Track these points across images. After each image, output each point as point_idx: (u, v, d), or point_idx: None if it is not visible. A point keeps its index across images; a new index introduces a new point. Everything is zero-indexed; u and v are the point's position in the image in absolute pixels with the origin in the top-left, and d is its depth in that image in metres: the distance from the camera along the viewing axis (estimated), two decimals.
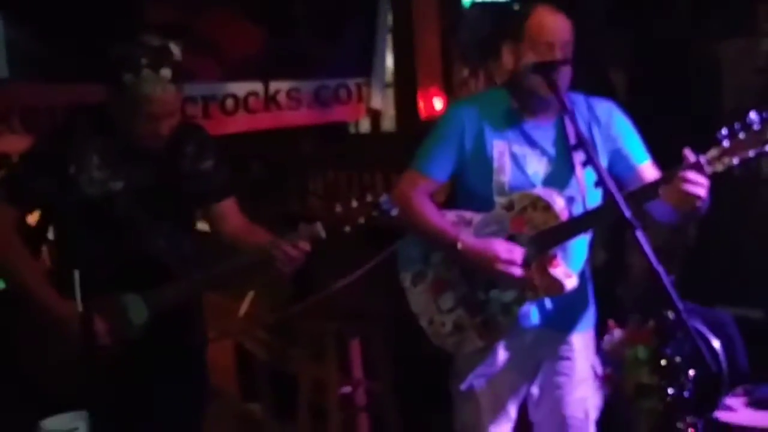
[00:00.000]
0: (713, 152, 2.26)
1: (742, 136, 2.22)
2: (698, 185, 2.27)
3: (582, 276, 2.64)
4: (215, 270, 2.56)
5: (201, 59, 3.85)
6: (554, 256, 2.50)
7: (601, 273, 3.32)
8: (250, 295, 4.56)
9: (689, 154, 2.29)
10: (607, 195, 2.32)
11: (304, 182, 5.97)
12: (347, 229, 2.48)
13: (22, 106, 3.82)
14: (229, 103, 4.24)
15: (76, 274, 2.07)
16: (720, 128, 2.26)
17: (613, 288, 3.87)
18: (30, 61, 3.77)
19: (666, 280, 2.14)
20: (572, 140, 2.52)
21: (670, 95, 3.99)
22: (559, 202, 2.50)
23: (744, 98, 3.81)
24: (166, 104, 2.40)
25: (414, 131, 4.76)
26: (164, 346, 2.56)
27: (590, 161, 2.35)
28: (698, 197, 2.28)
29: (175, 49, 2.41)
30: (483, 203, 2.61)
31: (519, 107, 2.60)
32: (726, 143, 2.24)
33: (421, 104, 4.92)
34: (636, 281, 3.87)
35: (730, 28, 3.99)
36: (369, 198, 2.48)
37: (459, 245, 2.53)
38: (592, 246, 2.74)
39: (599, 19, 4.14)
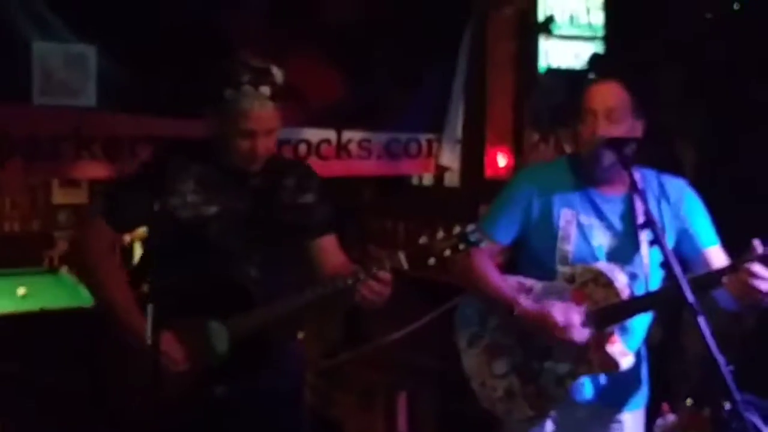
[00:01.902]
0: None
1: None
2: (762, 279, 2.24)
3: (638, 354, 2.62)
4: (296, 299, 2.49)
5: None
6: (611, 334, 2.49)
7: (656, 352, 3.29)
8: (300, 336, 4.60)
9: (757, 246, 2.27)
10: (671, 277, 2.31)
11: (363, 230, 6.01)
12: (432, 261, 2.35)
13: (106, 136, 3.92)
14: (302, 148, 4.32)
15: (150, 307, 2.12)
16: None
17: (666, 368, 3.82)
18: (117, 93, 3.88)
19: (725, 369, 2.12)
20: (640, 217, 2.50)
21: (741, 174, 3.96)
22: (621, 279, 2.49)
23: None
24: (263, 120, 2.45)
25: (477, 188, 4.80)
26: (247, 386, 2.54)
27: (657, 242, 2.34)
28: (760, 291, 2.25)
29: (277, 72, 2.47)
30: (544, 271, 2.61)
31: (588, 179, 2.62)
32: None
33: (486, 163, 4.96)
34: (691, 363, 3.81)
35: None
36: (456, 230, 2.35)
37: (516, 309, 2.53)
38: (651, 325, 2.73)
39: (675, 95, 4.15)
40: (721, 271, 2.36)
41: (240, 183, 2.57)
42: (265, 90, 2.42)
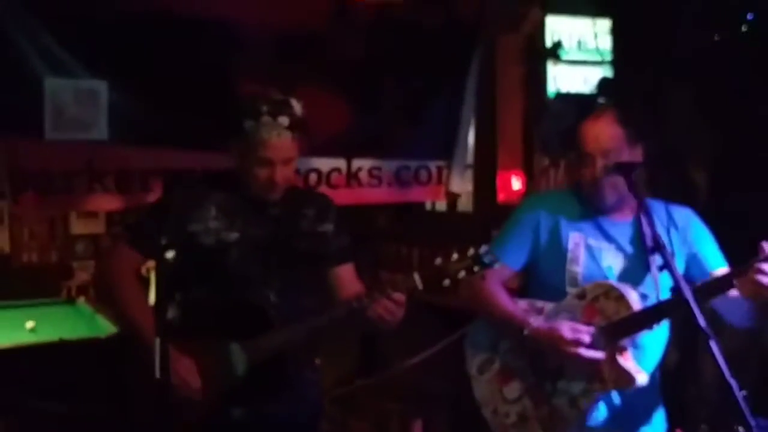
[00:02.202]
0: None
1: None
2: None
3: (653, 378, 2.60)
4: (314, 321, 2.54)
5: None
6: (624, 348, 2.48)
7: (672, 375, 3.26)
8: (317, 361, 4.60)
9: (766, 246, 2.30)
10: (681, 299, 2.30)
11: (377, 255, 6.02)
12: (446, 282, 2.40)
13: (118, 168, 3.97)
14: (312, 177, 4.35)
15: (157, 341, 2.14)
16: None
17: (683, 392, 3.78)
18: (129, 126, 3.93)
19: (738, 393, 2.11)
20: (649, 242, 2.50)
21: (754, 197, 3.94)
22: (632, 294, 2.50)
23: None
24: (281, 150, 2.53)
25: (490, 213, 4.80)
26: (265, 410, 2.57)
27: (667, 266, 2.35)
28: None
29: (296, 105, 2.56)
30: (555, 294, 2.62)
31: (595, 208, 2.64)
32: None
33: (499, 188, 4.97)
34: (708, 387, 3.77)
35: None
36: (470, 251, 2.40)
37: (526, 330, 2.54)
38: (667, 348, 2.71)
39: (684, 118, 4.15)
40: (732, 273, 2.38)
41: (260, 211, 2.64)
42: (284, 120, 2.51)
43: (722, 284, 2.39)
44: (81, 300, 5.40)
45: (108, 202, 4.05)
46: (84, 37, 3.80)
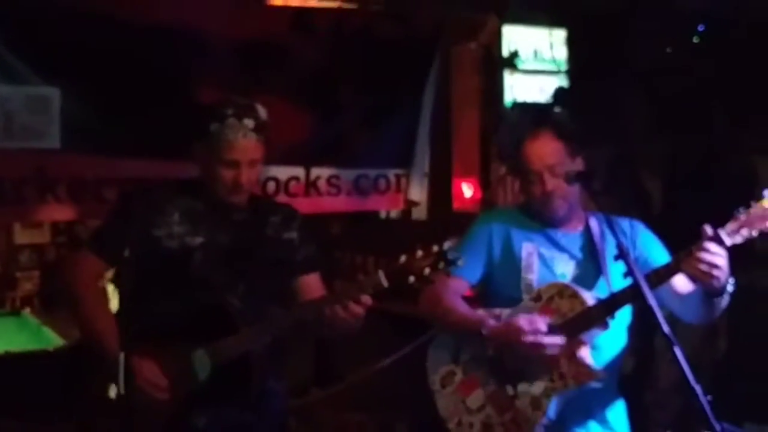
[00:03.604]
0: (731, 225, 2.35)
1: (757, 210, 2.31)
2: (717, 255, 2.33)
3: (612, 378, 2.65)
4: (276, 323, 2.55)
5: None
6: (582, 344, 2.52)
7: (629, 381, 3.30)
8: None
9: (708, 229, 2.37)
10: (643, 306, 2.33)
11: (331, 264, 6.00)
12: (412, 279, 2.37)
13: (70, 177, 3.88)
14: (270, 185, 4.31)
15: (122, 356, 2.10)
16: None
17: (641, 397, 3.84)
18: (82, 134, 3.85)
19: (703, 399, 2.14)
20: (600, 247, 2.63)
21: (705, 206, 4.02)
22: (585, 291, 2.55)
23: None
24: (246, 151, 2.53)
25: (445, 221, 4.82)
26: (228, 420, 2.54)
27: (631, 273, 2.38)
28: (716, 266, 2.34)
29: (261, 109, 2.58)
30: (511, 303, 2.65)
31: (544, 222, 2.71)
32: (743, 216, 2.33)
33: (454, 196, 4.99)
34: (665, 392, 3.84)
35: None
36: (435, 248, 2.38)
37: (484, 330, 2.57)
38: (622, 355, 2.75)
39: (639, 126, 4.22)
40: (679, 257, 2.43)
41: (225, 216, 2.63)
42: (249, 122, 2.52)
43: (671, 268, 2.45)
44: (26, 311, 5.29)
45: (60, 212, 3.96)
46: (35, 42, 3.72)
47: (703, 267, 2.35)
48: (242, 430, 2.58)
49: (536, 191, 2.64)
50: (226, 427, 2.54)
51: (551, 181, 2.61)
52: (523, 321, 2.51)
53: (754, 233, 2.33)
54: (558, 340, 2.50)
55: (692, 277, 2.42)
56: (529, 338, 2.49)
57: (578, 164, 2.64)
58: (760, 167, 4.10)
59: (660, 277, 2.43)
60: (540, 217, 2.71)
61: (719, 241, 2.34)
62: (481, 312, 2.67)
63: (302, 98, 4.31)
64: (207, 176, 2.59)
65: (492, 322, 2.58)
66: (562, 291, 2.55)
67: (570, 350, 2.51)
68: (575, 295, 2.53)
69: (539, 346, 2.50)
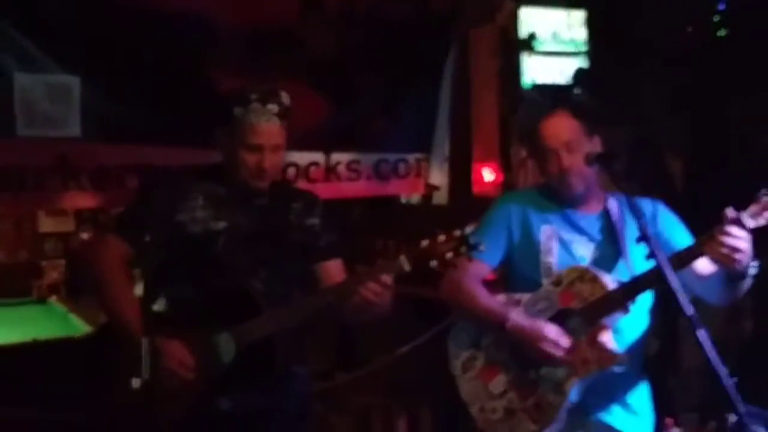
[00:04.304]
0: (753, 208, 2.33)
1: None
2: (739, 238, 2.32)
3: (636, 361, 2.65)
4: (300, 305, 2.55)
5: None
6: (604, 328, 2.52)
7: (653, 363, 3.28)
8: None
9: (729, 212, 2.35)
10: (666, 289, 2.33)
11: (352, 249, 6.00)
12: (434, 263, 2.39)
13: (92, 165, 3.89)
14: (291, 171, 4.30)
15: (146, 341, 2.12)
16: None
17: (665, 379, 3.82)
18: (102, 122, 3.86)
19: (727, 381, 2.13)
20: (620, 229, 2.62)
21: (728, 185, 3.98)
22: (606, 275, 2.54)
23: None
24: (270, 135, 2.55)
25: (465, 206, 4.81)
26: (252, 403, 2.55)
27: (653, 255, 2.37)
28: (739, 249, 2.32)
29: (284, 95, 2.59)
30: (532, 285, 2.66)
31: (563, 202, 2.70)
32: (766, 198, 2.31)
33: (474, 180, 4.97)
34: (689, 374, 3.82)
35: None
36: (457, 233, 2.39)
37: (507, 324, 2.57)
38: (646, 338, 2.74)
39: (659, 107, 4.18)
40: (701, 241, 2.42)
41: (248, 201, 2.64)
42: (273, 107, 2.55)
43: (693, 252, 2.44)
44: (53, 299, 5.34)
45: (83, 200, 3.97)
46: (53, 31, 3.72)
47: (725, 250, 2.34)
48: (265, 413, 2.60)
49: (552, 169, 2.64)
50: (250, 409, 2.55)
51: (567, 157, 2.60)
52: (549, 331, 2.52)
53: None
54: (582, 354, 2.49)
55: (714, 260, 2.41)
56: (549, 348, 2.51)
57: (596, 144, 2.64)
58: None
59: (682, 260, 2.42)
60: (558, 197, 2.70)
61: (741, 224, 2.33)
62: (501, 298, 2.68)
63: (318, 83, 4.29)
64: (230, 161, 2.60)
65: (516, 316, 2.58)
66: (583, 275, 2.55)
67: (592, 335, 2.51)
68: (596, 279, 2.52)
69: (556, 358, 2.51)
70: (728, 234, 2.33)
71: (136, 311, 2.50)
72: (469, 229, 2.39)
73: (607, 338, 2.50)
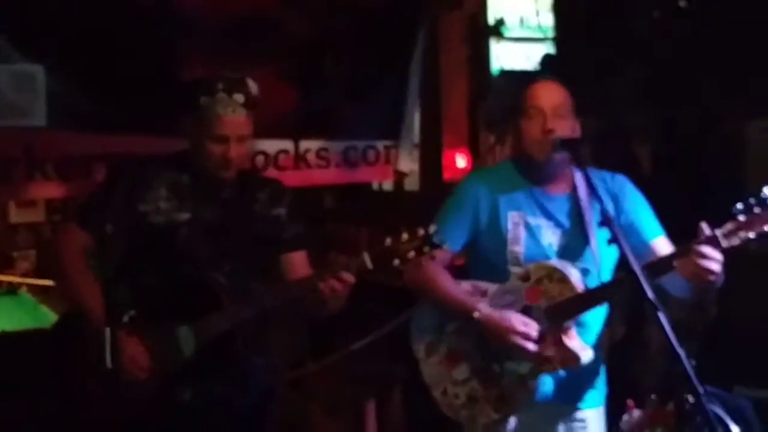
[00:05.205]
0: (729, 226, 2.28)
1: (757, 210, 2.23)
2: (712, 260, 2.28)
3: (596, 350, 2.64)
4: (261, 300, 2.54)
5: None
6: (569, 328, 2.52)
7: (619, 347, 3.31)
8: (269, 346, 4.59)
9: (705, 228, 2.31)
10: (628, 272, 2.33)
11: (325, 236, 6.00)
12: (396, 262, 2.41)
13: (58, 154, 3.86)
14: (260, 159, 4.28)
15: (107, 331, 2.11)
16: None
17: (631, 363, 3.86)
18: (68, 111, 3.82)
19: (686, 363, 2.15)
20: (588, 214, 2.58)
21: (694, 172, 4.02)
22: (574, 274, 2.52)
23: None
24: (236, 126, 2.52)
25: (437, 192, 4.82)
26: (213, 394, 2.55)
27: (616, 240, 2.37)
28: (711, 272, 2.29)
29: (252, 84, 2.56)
30: (497, 273, 2.63)
31: (534, 178, 2.65)
32: (742, 217, 2.25)
33: (445, 166, 4.99)
34: (655, 357, 3.85)
35: (755, 108, 4.04)
36: (420, 231, 2.40)
37: (476, 314, 2.54)
38: (610, 320, 2.76)
39: (628, 95, 4.20)
40: (673, 256, 2.40)
41: (212, 192, 2.61)
42: (239, 97, 2.51)
43: (662, 265, 2.40)
44: (23, 290, 5.30)
45: (49, 190, 3.96)
46: (17, 19, 3.68)
47: (698, 271, 2.29)
48: (226, 404, 2.59)
49: (535, 129, 2.56)
50: (211, 401, 2.55)
51: (553, 121, 2.53)
52: (517, 322, 2.50)
53: (752, 236, 2.25)
54: (546, 351, 2.49)
55: (685, 278, 2.36)
56: (518, 341, 2.49)
57: (577, 128, 2.59)
58: (749, 131, 4.09)
59: (653, 271, 2.36)
60: (529, 173, 2.64)
61: (716, 243, 2.28)
62: (466, 286, 2.65)
63: (288, 70, 4.27)
64: (195, 151, 2.57)
65: (484, 308, 2.55)
66: (552, 274, 2.52)
67: (557, 336, 2.50)
68: (564, 280, 2.50)
69: (524, 351, 2.50)
70: (702, 255, 2.28)
71: (98, 300, 2.51)
72: (433, 228, 2.41)
73: (572, 342, 2.50)
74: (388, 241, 2.40)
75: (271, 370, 2.75)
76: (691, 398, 2.25)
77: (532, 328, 2.49)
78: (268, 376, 2.74)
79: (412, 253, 2.39)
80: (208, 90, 2.51)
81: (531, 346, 2.48)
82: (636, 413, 2.49)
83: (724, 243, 2.27)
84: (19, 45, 3.70)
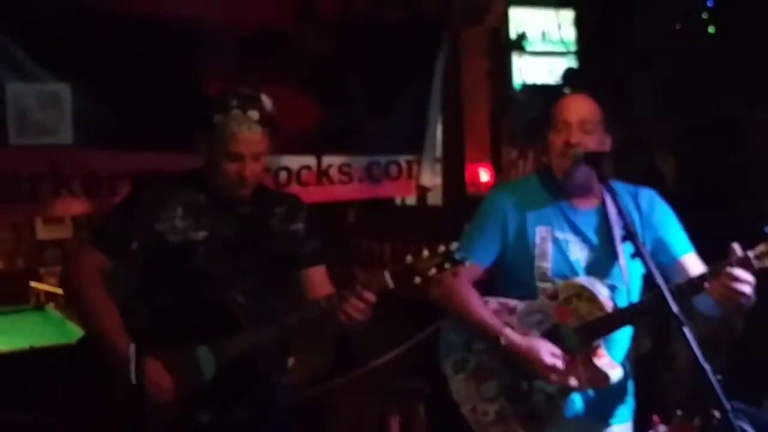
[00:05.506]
0: (762, 248, 2.25)
1: None
2: (744, 282, 2.26)
3: (624, 365, 2.63)
4: (281, 322, 2.52)
5: None
6: (598, 347, 2.50)
7: (646, 361, 3.29)
8: (290, 361, 4.59)
9: (737, 249, 2.28)
10: (654, 288, 2.32)
11: (348, 252, 6.01)
12: (417, 280, 2.38)
13: (84, 172, 3.90)
14: (282, 175, 4.30)
15: (132, 347, 2.11)
16: None
17: (657, 377, 3.83)
18: (94, 129, 3.86)
19: (712, 378, 2.13)
20: (616, 229, 2.54)
21: (720, 184, 3.99)
22: (603, 292, 2.51)
23: None
24: (251, 144, 2.48)
25: (460, 206, 4.81)
26: (232, 415, 2.53)
27: (639, 254, 2.36)
28: (743, 294, 2.26)
29: (266, 100, 2.53)
30: (525, 288, 2.62)
31: (561, 192, 2.64)
32: None
33: (468, 180, 4.98)
34: (682, 371, 3.82)
35: None
36: (441, 248, 2.38)
37: (502, 341, 2.54)
38: (636, 334, 2.74)
39: (649, 106, 4.18)
40: (703, 277, 2.37)
41: (229, 209, 2.59)
42: (254, 114, 2.47)
43: (693, 288, 2.38)
44: (50, 306, 5.35)
45: (75, 206, 3.98)
46: (45, 39, 3.73)
47: (729, 294, 2.27)
48: (246, 426, 2.57)
49: (559, 141, 2.55)
50: (231, 423, 2.53)
51: (578, 135, 2.51)
52: (545, 354, 2.49)
53: None
54: (571, 382, 2.49)
55: (716, 300, 2.34)
56: (545, 373, 2.49)
57: (606, 143, 2.57)
58: None
59: (680, 293, 2.34)
60: (556, 186, 2.62)
61: (748, 265, 2.25)
62: (494, 305, 2.63)
63: (310, 86, 4.28)
64: (211, 169, 2.55)
65: (511, 334, 2.53)
66: (581, 293, 2.50)
67: (587, 355, 2.49)
68: (594, 299, 2.48)
69: (552, 381, 2.50)
70: (734, 278, 2.25)
71: (116, 323, 2.50)
72: (454, 245, 2.38)
73: (602, 361, 2.49)
74: (409, 258, 2.39)
75: (289, 388, 2.73)
76: (717, 414, 2.22)
77: (560, 359, 2.48)
78: (288, 394, 2.73)
79: (433, 270, 2.37)
80: (222, 107, 2.47)
81: (558, 379, 2.48)
82: (662, 429, 2.47)
83: (757, 264, 2.25)
84: (46, 64, 3.75)
